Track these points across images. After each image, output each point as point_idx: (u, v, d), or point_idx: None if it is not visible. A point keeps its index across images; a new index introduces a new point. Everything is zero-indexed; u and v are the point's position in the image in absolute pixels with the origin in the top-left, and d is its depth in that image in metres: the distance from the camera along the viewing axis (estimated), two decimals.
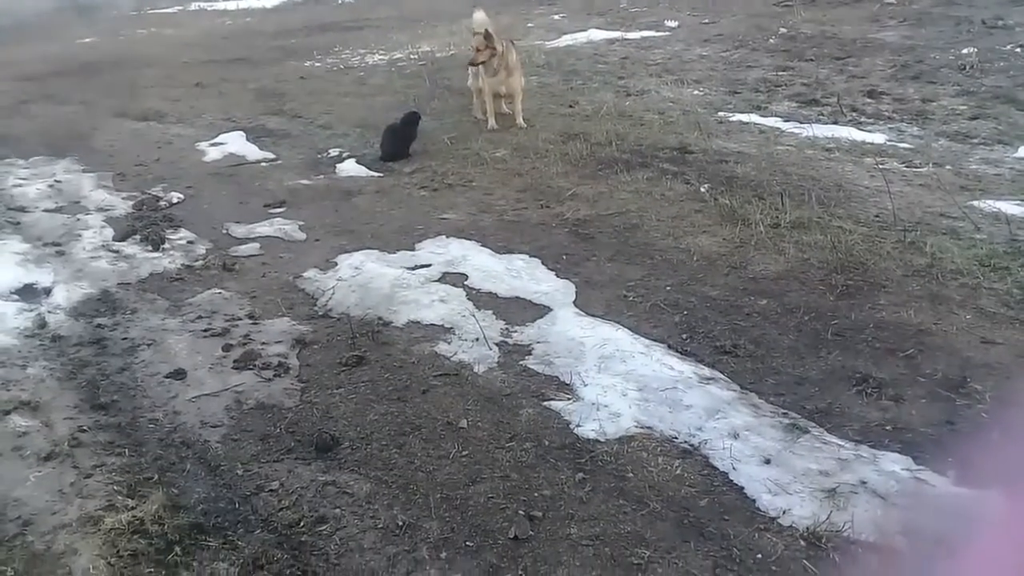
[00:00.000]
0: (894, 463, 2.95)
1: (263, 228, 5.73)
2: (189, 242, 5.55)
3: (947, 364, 3.54)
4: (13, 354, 4.09)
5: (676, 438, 3.19)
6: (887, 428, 3.17)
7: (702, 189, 5.77)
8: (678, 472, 3.00)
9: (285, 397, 3.65)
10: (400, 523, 2.82)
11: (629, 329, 4.00)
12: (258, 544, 2.75)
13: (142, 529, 2.79)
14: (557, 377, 3.66)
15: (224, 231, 5.73)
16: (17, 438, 3.38)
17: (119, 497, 2.97)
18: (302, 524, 2.84)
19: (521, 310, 4.30)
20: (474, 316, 4.19)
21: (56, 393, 3.74)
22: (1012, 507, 1.23)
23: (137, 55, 14.12)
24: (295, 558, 2.69)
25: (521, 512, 2.84)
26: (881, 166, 5.89)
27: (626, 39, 11.78)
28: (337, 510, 2.91)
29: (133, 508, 2.88)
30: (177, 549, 2.72)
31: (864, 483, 2.85)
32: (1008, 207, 5.07)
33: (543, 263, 4.79)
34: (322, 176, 6.92)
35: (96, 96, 10.84)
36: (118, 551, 2.70)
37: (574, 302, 4.32)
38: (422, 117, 7.36)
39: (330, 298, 4.55)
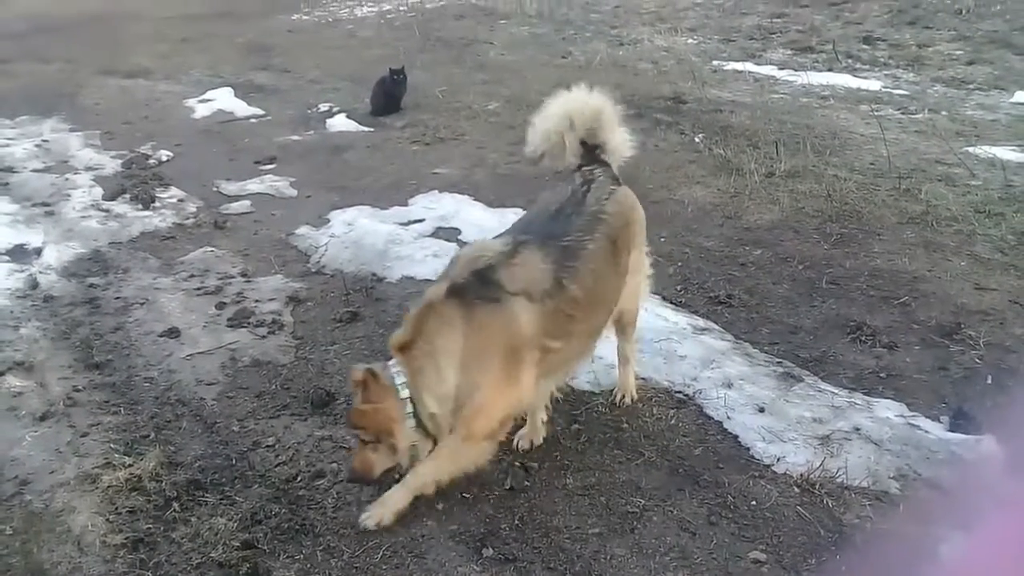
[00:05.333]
0: (888, 409, 2.97)
1: (254, 185, 5.68)
2: (180, 200, 5.50)
3: (941, 311, 3.55)
4: (6, 315, 4.07)
5: (671, 388, 3.20)
6: (881, 375, 3.18)
7: (696, 139, 5.72)
8: (673, 422, 3.01)
9: (280, 354, 3.64)
10: (396, 476, 2.83)
11: None
12: (256, 499, 2.76)
13: (140, 486, 2.80)
14: None
15: (215, 189, 5.68)
16: (12, 398, 3.37)
17: (116, 455, 2.98)
18: (299, 479, 2.86)
19: None
20: None
21: (50, 353, 3.73)
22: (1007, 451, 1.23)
23: (121, 10, 13.87)
24: (293, 512, 2.70)
25: (517, 463, 2.85)
26: (876, 113, 5.84)
27: None
28: (334, 464, 2.92)
29: (130, 466, 2.89)
30: (175, 505, 2.73)
31: (858, 430, 2.86)
32: (1003, 153, 5.05)
33: None
34: (312, 132, 6.85)
35: (81, 53, 10.67)
36: (116, 508, 2.72)
37: None
38: (407, 75, 7.19)
39: (323, 255, 4.52)
